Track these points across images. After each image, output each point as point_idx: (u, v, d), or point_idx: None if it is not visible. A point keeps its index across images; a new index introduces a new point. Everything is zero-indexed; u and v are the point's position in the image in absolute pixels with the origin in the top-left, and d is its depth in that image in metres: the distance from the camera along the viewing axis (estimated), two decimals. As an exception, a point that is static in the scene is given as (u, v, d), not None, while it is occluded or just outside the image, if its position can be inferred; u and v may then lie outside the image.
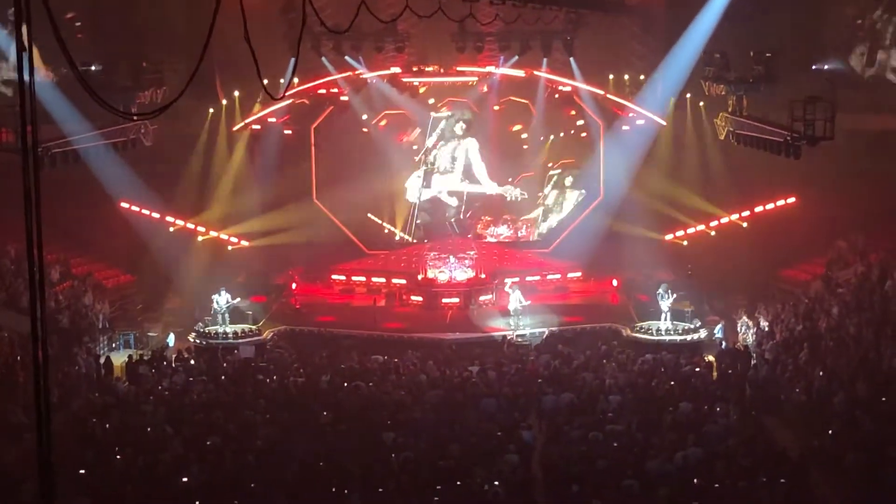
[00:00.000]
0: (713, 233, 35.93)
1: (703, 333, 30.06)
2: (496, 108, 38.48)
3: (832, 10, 33.38)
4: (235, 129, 36.91)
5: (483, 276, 34.98)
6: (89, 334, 29.53)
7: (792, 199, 34.32)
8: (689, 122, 36.18)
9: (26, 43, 6.44)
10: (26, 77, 6.45)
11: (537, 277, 35.91)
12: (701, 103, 35.34)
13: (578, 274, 36.42)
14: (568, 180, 39.21)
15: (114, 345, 30.97)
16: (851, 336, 25.77)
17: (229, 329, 30.74)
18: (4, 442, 20.74)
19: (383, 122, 39.00)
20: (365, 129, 38.93)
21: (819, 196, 33.09)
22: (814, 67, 32.81)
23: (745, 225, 35.18)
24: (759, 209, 34.99)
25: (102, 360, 28.29)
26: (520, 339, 30.26)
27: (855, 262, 31.66)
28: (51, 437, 6.50)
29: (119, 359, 28.49)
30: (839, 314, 27.73)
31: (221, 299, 30.99)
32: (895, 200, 32.03)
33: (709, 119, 34.51)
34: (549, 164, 39.12)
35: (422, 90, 38.30)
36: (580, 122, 38.30)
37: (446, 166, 39.14)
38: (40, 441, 6.50)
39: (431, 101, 38.75)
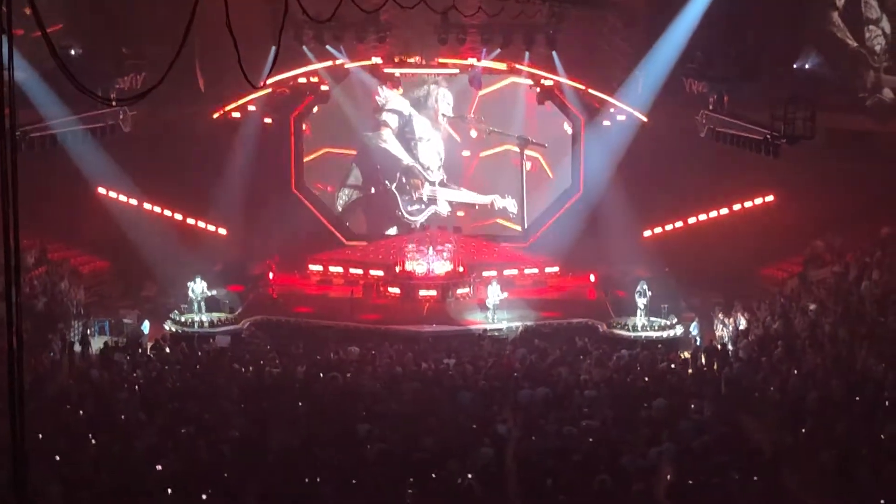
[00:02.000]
0: (691, 230, 35.99)
1: (679, 330, 30.17)
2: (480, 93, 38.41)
3: (814, 8, 33.45)
4: (215, 116, 36.72)
5: (461, 269, 34.98)
6: (64, 320, 29.36)
7: (770, 198, 34.45)
8: (670, 118, 36.22)
9: (5, 25, 6.37)
10: (5, 60, 6.37)
11: (515, 272, 35.91)
12: (681, 100, 35.36)
13: (556, 269, 36.45)
14: None
15: (89, 331, 30.81)
16: (826, 335, 25.89)
17: (205, 318, 30.64)
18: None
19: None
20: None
21: (797, 195, 33.24)
22: (795, 66, 32.88)
23: (723, 222, 35.23)
24: (737, 207, 35.09)
25: (78, 348, 28.14)
26: (496, 333, 30.28)
27: (832, 261, 31.81)
28: (24, 423, 6.45)
29: (94, 346, 28.34)
30: (815, 313, 27.86)
31: (197, 287, 30.88)
32: (873, 201, 32.20)
33: (689, 116, 34.57)
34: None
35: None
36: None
37: (433, 166, 39.16)
38: (13, 428, 6.45)
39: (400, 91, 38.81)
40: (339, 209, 39.96)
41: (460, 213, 39.62)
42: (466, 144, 39.33)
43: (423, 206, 39.46)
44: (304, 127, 39.43)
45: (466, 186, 39.53)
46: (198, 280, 31.03)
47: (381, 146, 39.17)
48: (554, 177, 39.37)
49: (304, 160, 39.66)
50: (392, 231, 39.18)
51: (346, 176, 39.92)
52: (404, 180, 39.34)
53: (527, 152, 38.92)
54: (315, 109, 38.98)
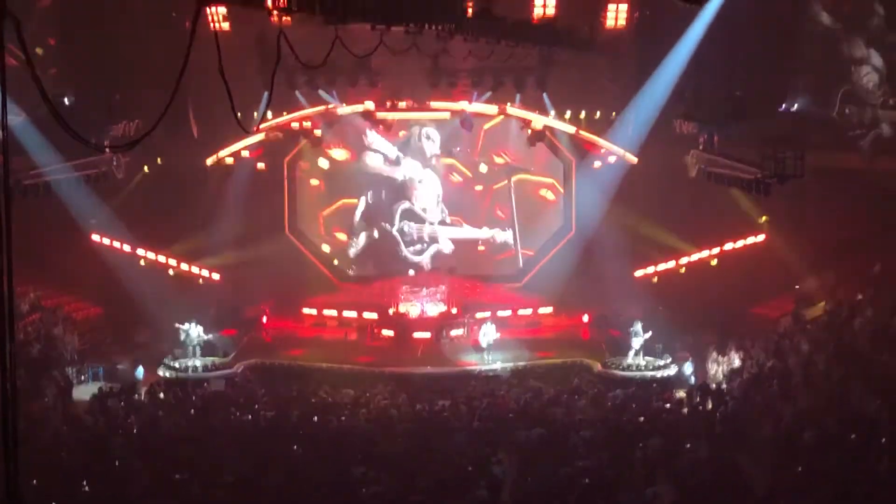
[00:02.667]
0: (683, 269, 36.07)
1: (673, 369, 30.17)
2: (485, 127, 38.57)
3: (803, 49, 33.74)
4: (208, 162, 36.84)
5: (455, 310, 35.00)
6: (58, 367, 29.31)
7: (761, 237, 34.55)
8: (660, 159, 36.41)
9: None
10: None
11: (509, 312, 35.94)
12: (672, 141, 35.57)
13: (550, 309, 36.48)
14: None
15: (82, 377, 30.76)
16: (820, 373, 25.91)
17: (199, 362, 30.60)
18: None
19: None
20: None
21: (788, 233, 33.36)
22: (783, 106, 33.13)
23: (714, 262, 35.33)
24: (728, 246, 35.18)
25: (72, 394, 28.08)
26: (491, 374, 30.26)
27: (824, 299, 31.88)
28: (18, 470, 6.46)
29: (87, 392, 28.27)
30: (808, 351, 27.89)
31: (193, 332, 30.86)
32: (863, 238, 32.33)
33: (679, 156, 34.76)
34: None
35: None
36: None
37: (430, 206, 39.22)
38: (7, 474, 6.46)
39: (402, 132, 38.91)
40: (352, 256, 39.84)
41: (481, 248, 39.57)
42: (478, 180, 39.35)
43: (425, 246, 39.40)
44: (317, 182, 39.49)
45: (485, 221, 39.49)
46: (193, 325, 31.02)
47: (375, 190, 39.29)
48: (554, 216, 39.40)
49: (323, 213, 39.72)
50: (411, 273, 38.98)
51: (352, 224, 39.89)
52: (402, 222, 39.32)
53: (542, 179, 39.18)
54: (325, 165, 39.13)
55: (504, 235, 39.35)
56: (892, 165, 32.04)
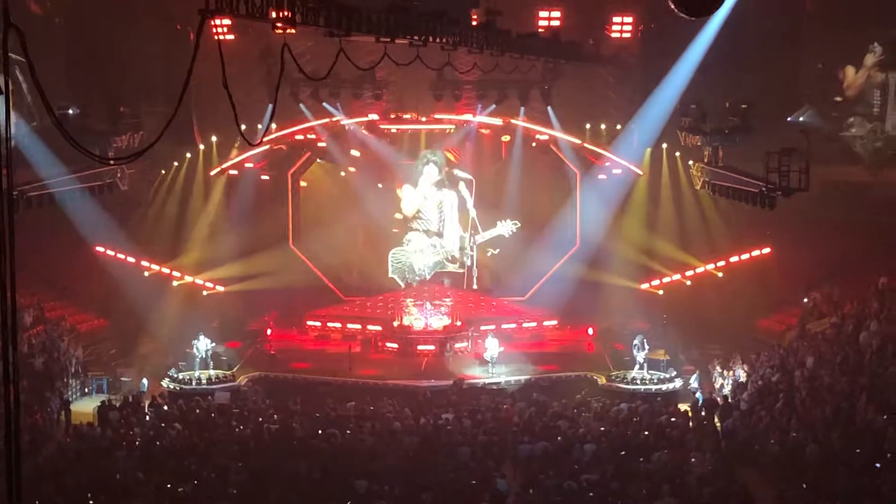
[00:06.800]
0: (688, 282, 36.01)
1: (678, 383, 30.08)
2: (506, 138, 38.10)
3: (807, 62, 33.77)
4: (212, 173, 36.89)
5: (459, 323, 34.93)
6: (61, 379, 29.30)
7: (767, 250, 34.49)
8: (665, 171, 36.40)
9: (2, 86, 6.42)
10: (2, 120, 6.41)
11: (513, 325, 35.85)
12: (677, 153, 35.57)
13: (554, 322, 36.38)
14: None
15: (86, 389, 30.72)
16: (826, 386, 25.81)
17: (203, 375, 30.54)
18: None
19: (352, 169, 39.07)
20: (343, 174, 39.04)
21: (793, 246, 33.30)
22: (789, 119, 33.13)
23: (720, 275, 35.27)
24: (734, 259, 35.11)
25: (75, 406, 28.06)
26: (495, 387, 30.19)
27: (829, 312, 31.80)
28: (21, 483, 6.42)
29: (92, 404, 28.24)
30: (814, 365, 27.80)
31: (201, 344, 30.85)
32: (868, 251, 32.26)
33: (685, 169, 34.75)
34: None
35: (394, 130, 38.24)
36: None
37: (436, 226, 39.10)
38: (10, 487, 6.42)
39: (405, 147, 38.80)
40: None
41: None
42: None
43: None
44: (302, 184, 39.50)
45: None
46: (201, 337, 31.02)
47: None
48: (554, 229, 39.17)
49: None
50: (447, 281, 38.92)
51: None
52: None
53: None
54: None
55: (508, 227, 38.60)
56: (897, 178, 32.10)
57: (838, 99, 33.67)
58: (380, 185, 39.25)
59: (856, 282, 32.53)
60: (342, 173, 39.16)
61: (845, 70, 32.99)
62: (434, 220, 39.04)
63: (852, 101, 32.98)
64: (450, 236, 39.06)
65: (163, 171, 36.37)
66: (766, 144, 26.76)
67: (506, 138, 38.00)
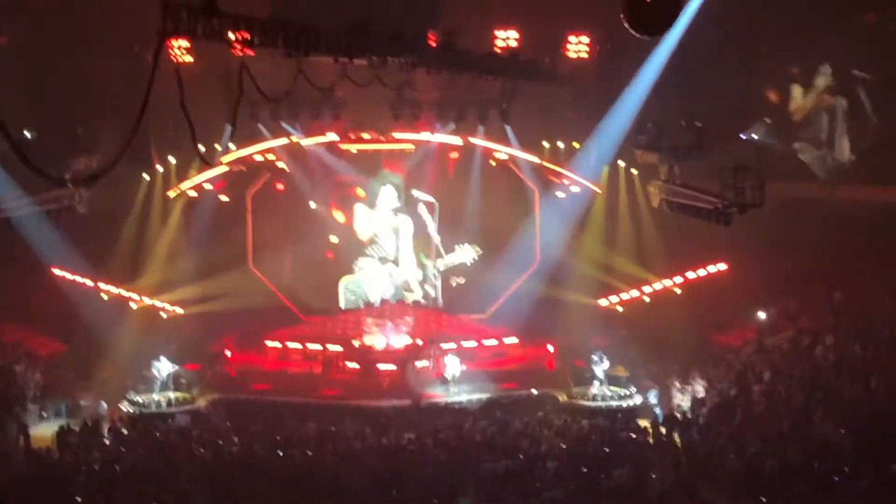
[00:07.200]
0: (647, 298, 36.24)
1: (638, 399, 30.25)
2: (454, 154, 38.39)
3: (763, 80, 34.11)
4: (171, 195, 36.72)
5: (420, 342, 34.94)
6: (20, 404, 28.99)
7: (723, 266, 34.75)
8: (623, 189, 36.66)
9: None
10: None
11: (474, 343, 35.89)
12: (634, 171, 35.86)
13: (515, 340, 36.47)
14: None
15: (44, 414, 30.40)
16: (783, 401, 26.04)
17: (163, 398, 30.34)
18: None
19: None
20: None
21: (749, 262, 33.58)
22: (742, 136, 33.45)
23: (678, 291, 35.51)
24: (691, 275, 35.37)
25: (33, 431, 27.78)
26: (457, 406, 30.21)
27: (786, 327, 32.09)
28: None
29: (51, 428, 27.97)
30: (771, 379, 28.04)
31: (162, 367, 30.65)
32: (823, 267, 32.60)
33: (642, 186, 35.00)
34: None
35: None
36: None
37: (392, 253, 39.06)
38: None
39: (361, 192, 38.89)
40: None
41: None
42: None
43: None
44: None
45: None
46: (162, 359, 30.83)
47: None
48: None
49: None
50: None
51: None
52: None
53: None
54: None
55: (470, 254, 38.79)
56: (850, 195, 32.41)
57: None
58: (312, 205, 39.08)
59: (811, 295, 32.88)
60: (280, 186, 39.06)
61: (791, 90, 33.24)
62: (390, 246, 39.00)
63: (798, 125, 33.28)
64: (406, 264, 39.06)
65: (120, 193, 36.12)
66: (722, 162, 26.99)
67: (454, 155, 38.19)
